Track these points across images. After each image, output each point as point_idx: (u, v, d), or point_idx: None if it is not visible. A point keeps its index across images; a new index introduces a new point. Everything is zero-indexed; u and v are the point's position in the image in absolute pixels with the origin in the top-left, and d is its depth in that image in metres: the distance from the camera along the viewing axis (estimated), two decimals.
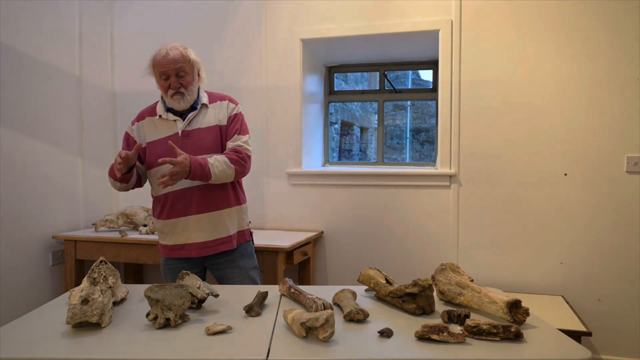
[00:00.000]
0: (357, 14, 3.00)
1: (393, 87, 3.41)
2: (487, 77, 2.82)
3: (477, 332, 1.18)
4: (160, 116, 1.94)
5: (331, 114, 3.57)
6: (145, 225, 3.04)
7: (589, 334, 2.15)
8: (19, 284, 2.72)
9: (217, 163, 1.85)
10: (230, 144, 1.94)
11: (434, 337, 1.16)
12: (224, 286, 1.75)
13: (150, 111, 1.99)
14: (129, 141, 1.98)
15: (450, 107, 2.88)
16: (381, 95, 3.43)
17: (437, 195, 2.93)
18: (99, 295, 1.27)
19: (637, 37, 2.59)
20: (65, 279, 2.94)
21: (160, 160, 1.75)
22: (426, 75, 3.84)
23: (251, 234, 2.11)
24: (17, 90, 2.69)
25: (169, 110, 1.94)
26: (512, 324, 1.19)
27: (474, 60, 2.84)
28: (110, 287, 1.37)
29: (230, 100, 2.02)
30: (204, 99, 1.97)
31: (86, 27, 3.18)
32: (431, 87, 3.37)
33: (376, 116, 3.49)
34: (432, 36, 2.93)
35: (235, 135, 1.96)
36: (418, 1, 2.91)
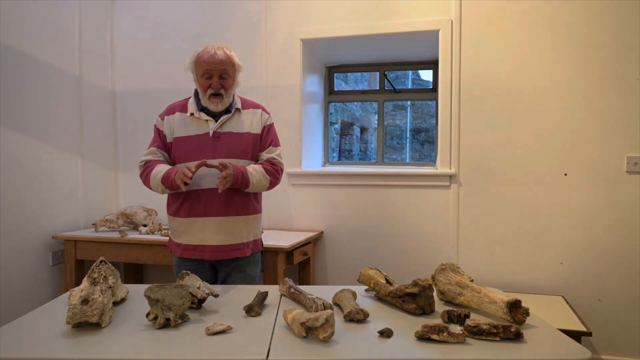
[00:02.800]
0: (357, 14, 3.00)
1: (393, 87, 3.41)
2: (487, 77, 2.82)
3: (477, 332, 1.18)
4: (192, 114, 1.93)
5: (331, 114, 3.57)
6: (145, 225, 3.04)
7: (589, 334, 2.15)
8: (19, 284, 2.72)
9: (255, 172, 1.88)
10: (265, 155, 1.97)
11: (434, 337, 1.16)
12: (224, 286, 1.75)
13: (181, 107, 1.98)
14: (160, 135, 1.97)
15: (450, 107, 2.88)
16: (381, 95, 3.43)
17: (437, 195, 2.93)
18: (99, 295, 1.27)
19: (637, 37, 2.59)
20: (65, 279, 2.94)
21: (208, 161, 1.77)
22: (426, 75, 3.83)
23: (262, 243, 2.11)
24: (17, 90, 2.69)
25: (202, 109, 1.93)
26: (512, 324, 1.19)
27: (474, 61, 2.83)
28: (110, 287, 1.37)
29: (264, 109, 2.04)
30: (238, 103, 1.98)
31: (86, 27, 3.18)
32: (431, 87, 3.37)
33: (376, 116, 3.49)
34: (432, 36, 2.92)
35: (271, 147, 1.99)
36: (418, 1, 2.91)
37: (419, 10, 2.91)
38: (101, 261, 1.42)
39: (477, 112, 2.84)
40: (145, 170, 1.93)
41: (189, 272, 1.53)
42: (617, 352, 2.67)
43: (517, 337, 1.17)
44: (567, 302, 2.58)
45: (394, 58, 3.35)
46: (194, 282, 1.47)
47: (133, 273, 3.42)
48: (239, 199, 1.92)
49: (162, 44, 3.34)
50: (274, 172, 1.96)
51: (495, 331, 1.17)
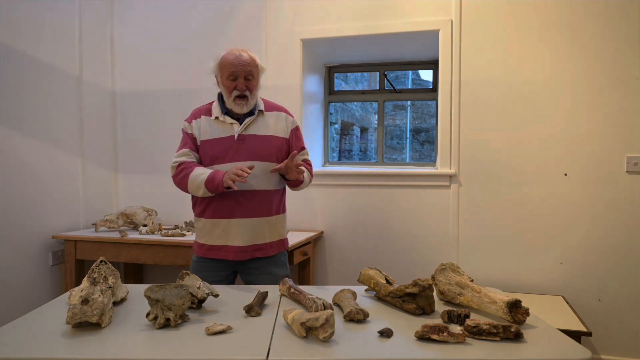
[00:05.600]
0: (357, 14, 3.00)
1: (393, 87, 3.41)
2: (487, 77, 2.82)
3: (477, 332, 1.18)
4: (216, 118, 1.94)
5: (331, 114, 3.57)
6: (145, 225, 3.04)
7: (589, 334, 2.15)
8: (19, 284, 2.72)
9: (306, 172, 1.95)
10: (299, 158, 2.02)
11: (434, 337, 1.16)
12: (224, 286, 1.75)
13: (206, 111, 1.99)
14: (190, 137, 1.96)
15: (450, 107, 2.88)
16: (381, 95, 3.43)
17: (437, 195, 2.93)
18: (99, 295, 1.27)
19: (637, 37, 2.59)
20: (65, 279, 2.94)
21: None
22: (426, 75, 3.84)
23: (287, 243, 2.12)
24: (17, 90, 2.69)
25: (226, 112, 1.95)
26: (512, 324, 1.19)
27: (474, 60, 2.84)
28: (110, 287, 1.37)
29: (288, 112, 2.07)
30: (261, 105, 1.99)
31: (86, 27, 3.18)
32: (431, 87, 3.37)
33: (376, 116, 3.49)
34: (432, 36, 2.93)
35: (303, 151, 2.07)
36: (418, 1, 2.91)
37: (419, 10, 2.91)
38: (101, 261, 1.42)
39: (477, 112, 2.84)
40: (182, 172, 1.90)
41: (188, 272, 1.53)
42: (617, 352, 2.67)
43: (517, 337, 1.17)
44: (567, 302, 2.58)
45: (394, 58, 3.35)
46: (194, 282, 1.47)
47: (133, 273, 3.42)
48: (264, 200, 1.93)
49: (162, 44, 3.34)
50: (311, 173, 2.06)
51: (495, 331, 1.17)
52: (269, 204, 1.96)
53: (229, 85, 1.89)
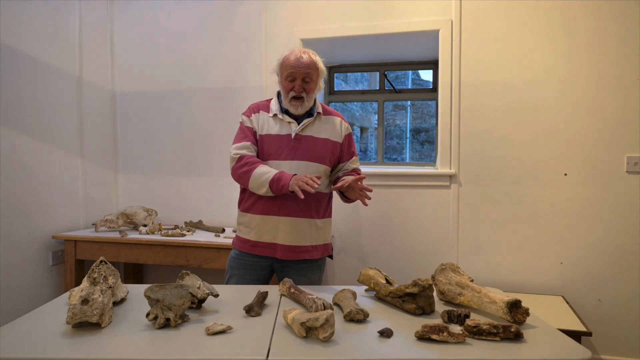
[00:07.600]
0: (357, 14, 3.01)
1: (393, 87, 3.41)
2: (487, 77, 2.82)
3: (477, 332, 1.19)
4: (275, 115, 1.95)
5: None
6: (145, 225, 3.04)
7: (589, 334, 2.15)
8: (19, 284, 2.72)
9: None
10: (350, 166, 2.04)
11: (434, 337, 1.16)
12: (224, 286, 1.75)
13: (264, 107, 2.01)
14: (250, 131, 1.96)
15: (450, 107, 2.88)
16: (381, 95, 3.43)
17: (437, 195, 2.93)
18: (99, 295, 1.27)
19: (637, 37, 2.59)
20: (65, 279, 2.94)
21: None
22: (426, 75, 3.84)
23: (332, 248, 2.10)
24: (17, 90, 2.69)
25: (285, 111, 1.96)
26: (512, 324, 1.19)
27: (474, 60, 2.84)
28: (110, 287, 1.37)
29: (343, 118, 2.09)
30: (319, 108, 2.01)
31: (86, 27, 3.18)
32: (431, 87, 3.37)
33: (376, 116, 3.49)
34: (432, 36, 2.93)
35: (354, 157, 2.07)
36: (418, 1, 2.91)
37: (419, 10, 2.91)
38: (101, 261, 1.42)
39: (477, 112, 2.85)
40: (243, 167, 1.88)
41: (188, 272, 1.53)
42: (617, 352, 2.67)
43: (517, 337, 1.18)
44: (567, 302, 2.58)
45: (394, 58, 3.35)
46: (194, 282, 1.48)
47: (133, 273, 3.42)
48: (313, 202, 1.93)
49: (162, 44, 3.34)
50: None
51: (495, 331, 1.17)
52: (318, 205, 1.96)
53: (287, 86, 1.91)
